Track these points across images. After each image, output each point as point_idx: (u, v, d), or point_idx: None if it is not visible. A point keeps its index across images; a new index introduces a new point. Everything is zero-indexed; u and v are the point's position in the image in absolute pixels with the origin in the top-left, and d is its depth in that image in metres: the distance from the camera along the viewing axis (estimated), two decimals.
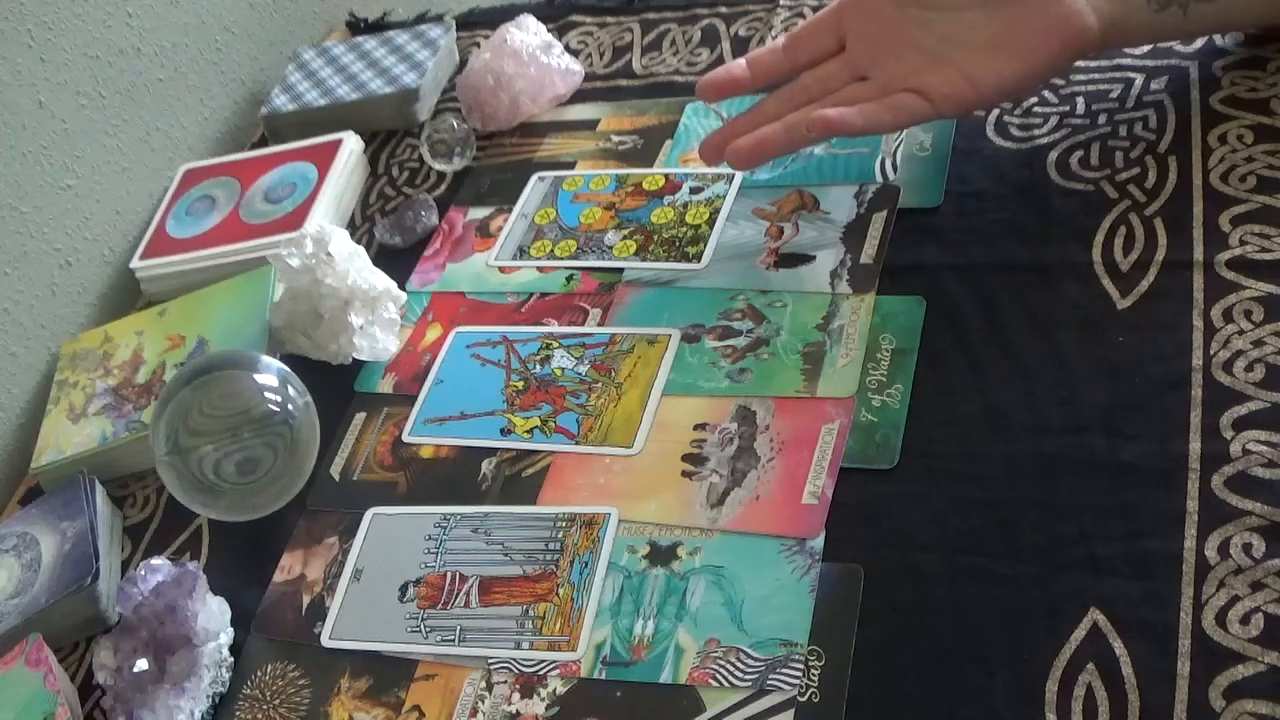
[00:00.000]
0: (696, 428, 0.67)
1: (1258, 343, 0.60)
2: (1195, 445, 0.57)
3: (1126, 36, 0.68)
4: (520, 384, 0.73)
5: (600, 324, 0.75)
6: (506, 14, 1.01)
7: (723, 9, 0.95)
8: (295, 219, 0.88)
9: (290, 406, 0.71)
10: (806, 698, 0.55)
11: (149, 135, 0.97)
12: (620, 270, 0.78)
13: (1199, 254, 0.64)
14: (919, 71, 0.68)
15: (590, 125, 0.90)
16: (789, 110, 0.72)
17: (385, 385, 0.77)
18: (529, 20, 0.94)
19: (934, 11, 0.68)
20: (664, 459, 0.66)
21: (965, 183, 0.74)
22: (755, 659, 0.57)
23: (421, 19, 1.07)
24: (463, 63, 1.01)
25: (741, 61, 0.74)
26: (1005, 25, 0.66)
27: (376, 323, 0.78)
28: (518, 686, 0.60)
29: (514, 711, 0.59)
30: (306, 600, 0.68)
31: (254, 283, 0.83)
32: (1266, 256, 0.63)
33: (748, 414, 0.67)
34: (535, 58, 0.91)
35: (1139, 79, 0.75)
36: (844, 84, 0.72)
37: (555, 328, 0.76)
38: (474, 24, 1.05)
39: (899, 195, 0.75)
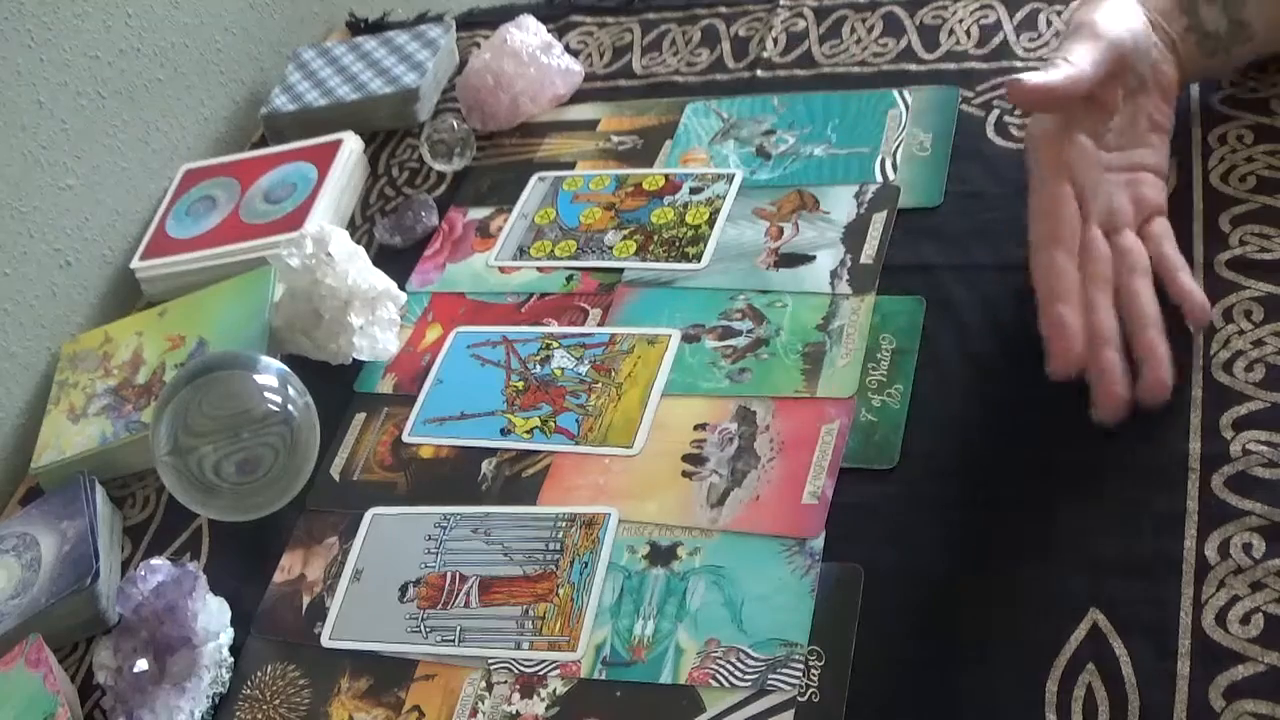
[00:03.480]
0: (696, 428, 0.67)
1: (1258, 343, 0.60)
2: (1195, 445, 0.57)
3: (1184, 80, 0.69)
4: (520, 384, 0.73)
5: (600, 324, 0.75)
6: (506, 14, 1.01)
7: (723, 9, 0.95)
8: (295, 219, 0.88)
9: (290, 406, 0.71)
10: (806, 698, 0.55)
11: (149, 135, 0.97)
12: (620, 270, 0.78)
13: (1199, 254, 0.64)
14: (1137, 192, 0.66)
15: (590, 125, 0.90)
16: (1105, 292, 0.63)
17: (385, 385, 0.77)
18: (529, 20, 0.94)
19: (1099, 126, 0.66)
20: (664, 459, 0.66)
21: (965, 183, 0.74)
22: (755, 659, 0.57)
23: (421, 19, 1.07)
24: (463, 63, 1.01)
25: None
26: (1144, 107, 0.66)
27: (376, 323, 0.78)
28: (518, 687, 0.60)
29: (514, 711, 0.59)
30: (306, 600, 0.68)
31: (254, 283, 0.83)
32: (1266, 256, 0.63)
33: (748, 414, 0.67)
34: (535, 58, 0.91)
35: None
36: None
37: (555, 328, 0.76)
38: (474, 24, 1.05)
39: (899, 195, 0.75)
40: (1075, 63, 0.63)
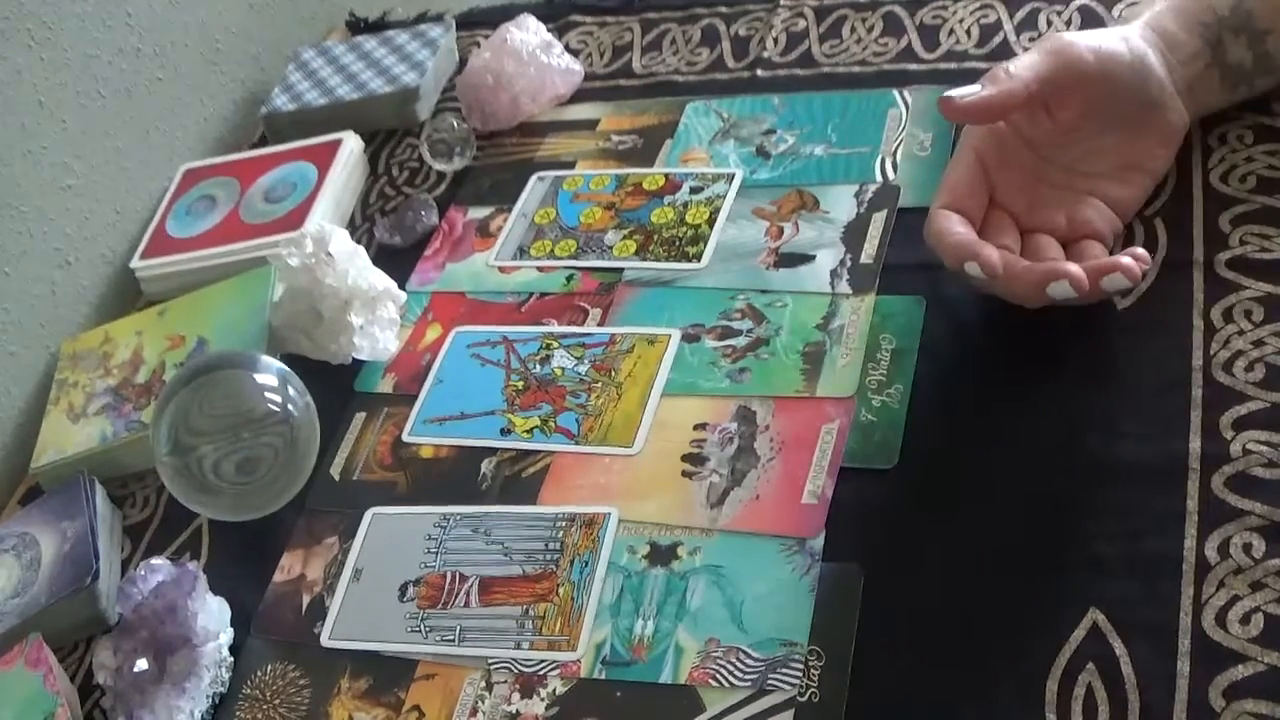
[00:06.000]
0: (696, 427, 0.67)
1: (1258, 343, 0.60)
2: (1195, 445, 0.57)
3: (1195, 118, 0.68)
4: (520, 384, 0.73)
5: (600, 324, 0.75)
6: (506, 14, 1.00)
7: (723, 9, 0.95)
8: (295, 219, 0.88)
9: (290, 406, 0.71)
10: (806, 698, 0.55)
11: (149, 135, 0.97)
12: (620, 270, 0.78)
13: (1199, 254, 0.64)
14: (1077, 212, 0.65)
15: (590, 125, 0.90)
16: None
17: (385, 385, 0.77)
18: (529, 20, 0.94)
19: (1064, 146, 0.66)
20: (664, 459, 0.66)
21: None
22: (755, 659, 0.57)
23: (421, 18, 1.07)
24: (463, 62, 1.01)
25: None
26: (1128, 146, 0.65)
27: (376, 323, 0.78)
28: (518, 686, 0.60)
29: (514, 711, 0.59)
30: (306, 600, 0.68)
31: (254, 283, 0.83)
32: (1266, 256, 0.63)
33: (748, 414, 0.67)
34: (535, 57, 0.91)
35: None
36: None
37: (555, 328, 0.76)
38: (474, 24, 1.05)
39: (899, 195, 0.75)
40: (1014, 74, 0.63)
